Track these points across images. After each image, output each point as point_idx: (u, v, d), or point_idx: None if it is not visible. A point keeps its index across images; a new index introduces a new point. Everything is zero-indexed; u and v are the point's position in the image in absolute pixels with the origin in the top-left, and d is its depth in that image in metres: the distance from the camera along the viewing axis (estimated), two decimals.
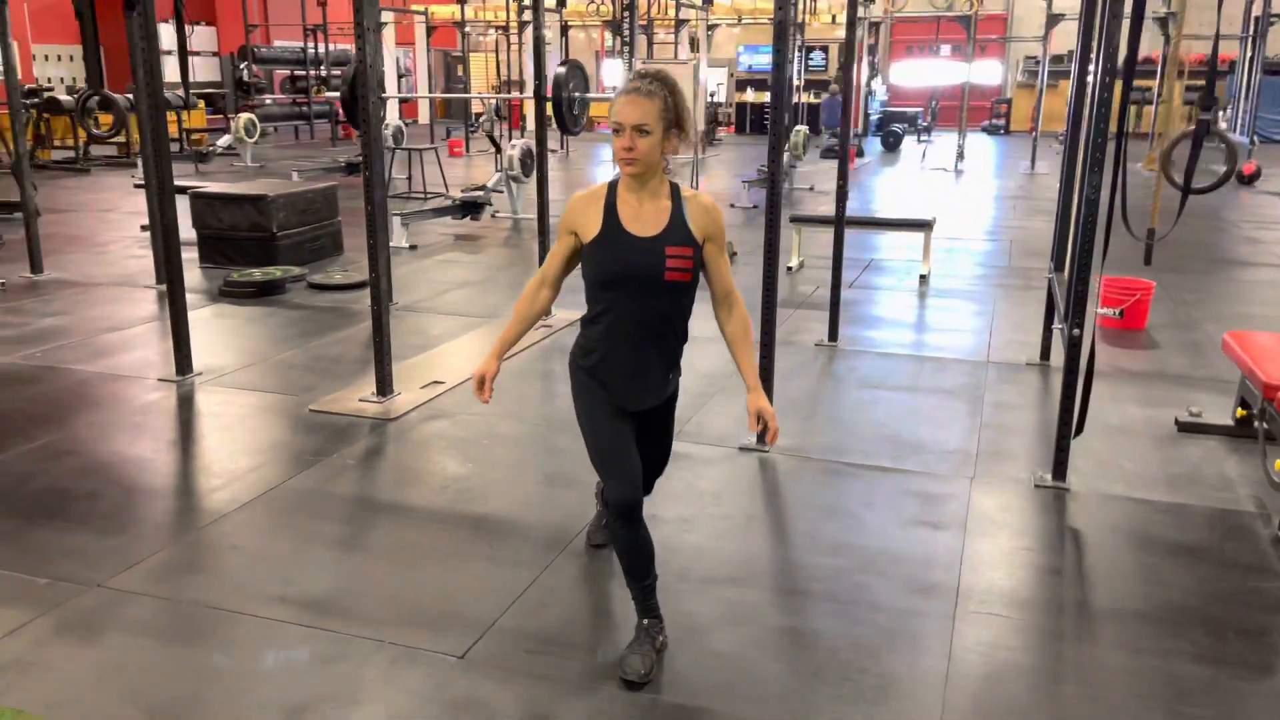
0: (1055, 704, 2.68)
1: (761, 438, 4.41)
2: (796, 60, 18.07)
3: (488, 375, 2.77)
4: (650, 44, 20.54)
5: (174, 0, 7.72)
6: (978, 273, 8.48)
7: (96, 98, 8.84)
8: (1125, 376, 5.54)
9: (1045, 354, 5.70)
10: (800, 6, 17.33)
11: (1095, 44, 4.24)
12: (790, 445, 4.46)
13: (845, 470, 4.24)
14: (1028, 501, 3.93)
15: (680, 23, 21.75)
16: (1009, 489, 4.04)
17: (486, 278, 8.19)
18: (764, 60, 23.42)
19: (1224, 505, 3.88)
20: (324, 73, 21.63)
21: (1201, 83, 20.70)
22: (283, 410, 4.90)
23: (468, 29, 21.75)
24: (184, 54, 8.07)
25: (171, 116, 16.84)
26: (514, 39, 22.05)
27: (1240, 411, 4.49)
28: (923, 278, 8.11)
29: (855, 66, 21.23)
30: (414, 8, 22.57)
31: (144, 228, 8.94)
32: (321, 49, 21.76)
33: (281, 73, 23.12)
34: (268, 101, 21.00)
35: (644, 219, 2.65)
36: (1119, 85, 3.62)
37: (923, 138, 22.28)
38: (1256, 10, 17.17)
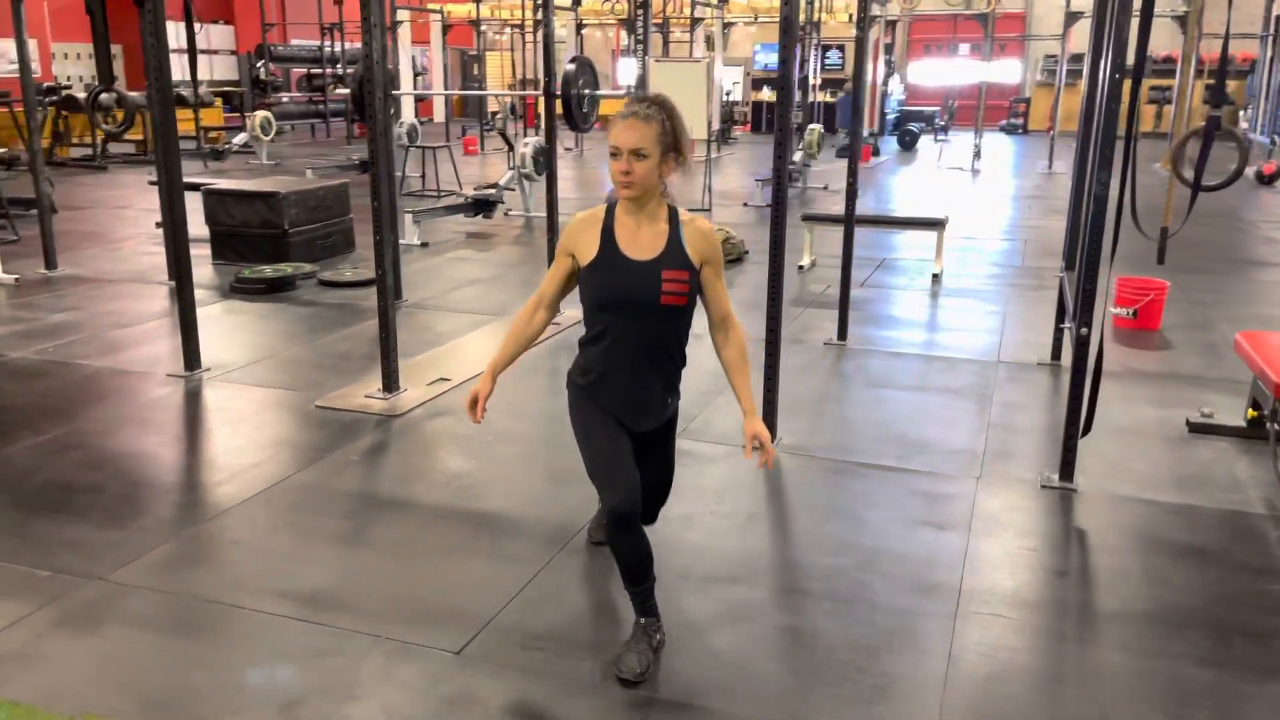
0: (1055, 706, 2.65)
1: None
2: (813, 59, 18.01)
3: (481, 395, 2.78)
4: (666, 42, 20.51)
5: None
6: (991, 272, 8.42)
7: (106, 94, 8.87)
8: (1137, 377, 5.48)
9: (1056, 354, 5.65)
10: (816, 4, 17.26)
11: (1105, 41, 4.19)
12: (795, 444, 4.43)
13: (850, 469, 4.21)
14: (1034, 502, 3.90)
15: (695, 21, 21.71)
16: (1015, 489, 4.00)
17: (497, 275, 8.20)
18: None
19: (1234, 507, 3.84)
20: (340, 71, 21.70)
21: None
22: (289, 406, 4.91)
23: (483, 27, 21.79)
24: (193, 52, 8.09)
25: (188, 114, 16.97)
26: (529, 37, 22.08)
27: (1251, 412, 4.44)
28: (935, 277, 8.06)
29: (873, 65, 21.23)
30: (430, 6, 22.61)
31: (158, 224, 8.99)
32: (338, 47, 21.84)
33: (298, 71, 23.22)
34: (284, 100, 21.10)
35: (641, 242, 2.64)
36: (1128, 82, 3.58)
37: (939, 137, 22.17)
38: (1277, 9, 16.99)
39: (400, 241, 8.42)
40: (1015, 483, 4.06)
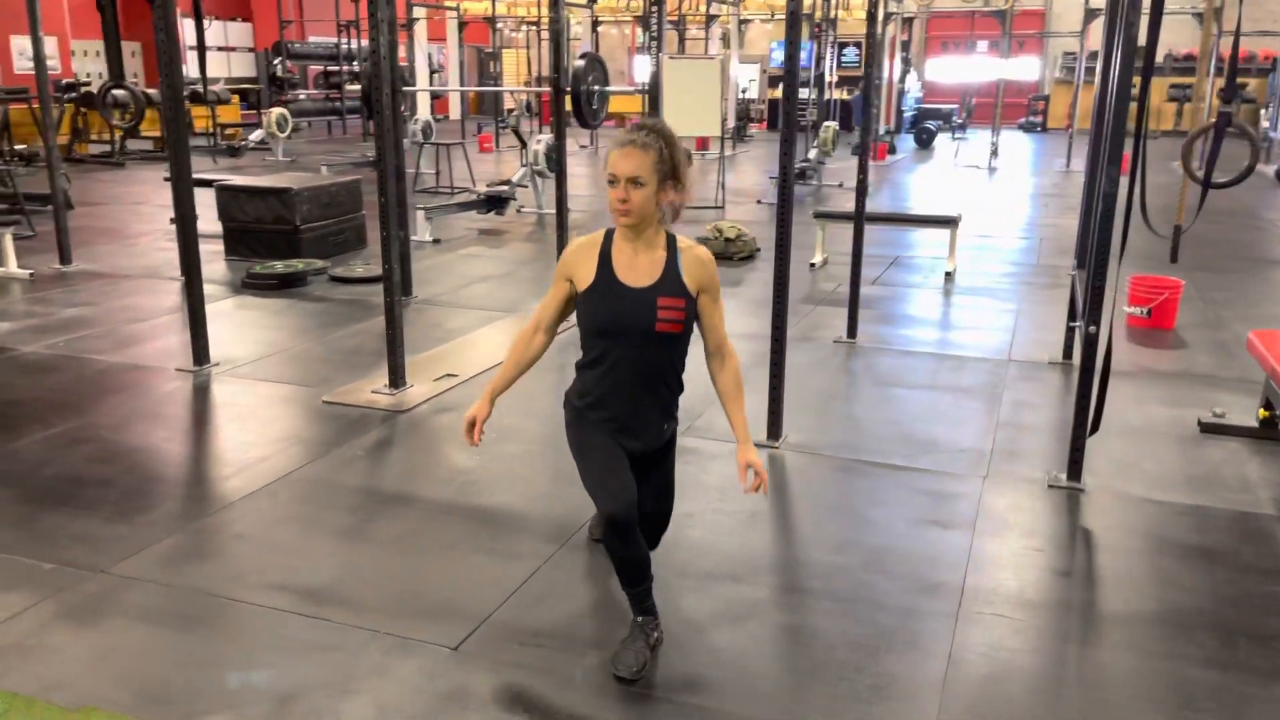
0: (1055, 707, 2.62)
1: (773, 437, 4.38)
2: (829, 56, 17.93)
3: (479, 418, 2.79)
4: (681, 40, 20.47)
5: None
6: (1005, 270, 8.37)
7: (117, 90, 8.94)
8: (1150, 376, 5.43)
9: (1068, 353, 5.61)
10: (833, 1, 17.17)
11: (1115, 38, 4.15)
12: (801, 442, 4.42)
13: (855, 468, 4.19)
14: (1041, 501, 3.86)
15: (711, 18, 21.65)
16: (1022, 489, 3.97)
17: (508, 272, 8.20)
18: None
19: (1243, 508, 3.79)
20: (356, 68, 21.77)
21: (1242, 80, 20.29)
22: (297, 401, 4.93)
23: (499, 25, 21.81)
24: (201, 49, 8.14)
25: (205, 111, 17.07)
26: (545, 34, 22.07)
27: (1263, 413, 4.39)
28: (948, 275, 8.01)
29: (889, 62, 21.13)
30: (446, 3, 22.64)
31: (173, 220, 9.02)
32: (354, 44, 21.90)
33: (315, 68, 23.31)
34: (301, 97, 21.18)
35: (638, 269, 2.63)
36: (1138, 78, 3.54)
37: (957, 135, 22.05)
38: None
39: (412, 238, 8.44)
40: (1023, 482, 4.03)
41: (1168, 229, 6.42)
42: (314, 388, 5.09)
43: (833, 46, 18.24)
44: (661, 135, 2.58)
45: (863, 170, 5.85)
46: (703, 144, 18.07)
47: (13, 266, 7.57)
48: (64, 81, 16.27)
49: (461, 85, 23.37)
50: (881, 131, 19.25)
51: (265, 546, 3.46)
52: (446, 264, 8.46)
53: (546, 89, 8.94)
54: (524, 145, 11.55)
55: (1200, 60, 6.96)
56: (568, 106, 6.68)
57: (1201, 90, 7.26)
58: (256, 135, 17.55)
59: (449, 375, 5.24)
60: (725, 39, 23.10)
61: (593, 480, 2.68)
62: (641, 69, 22.09)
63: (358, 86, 20.05)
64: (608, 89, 7.61)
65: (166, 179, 10.78)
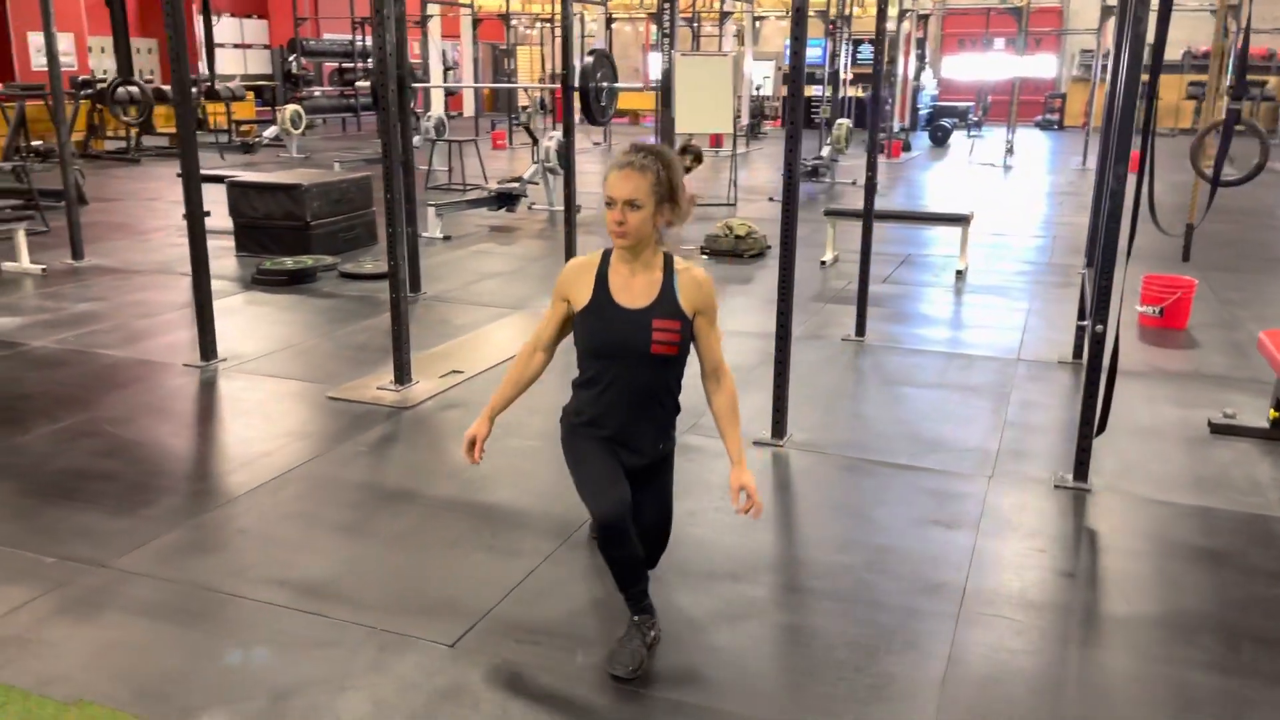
0: (1055, 709, 2.60)
1: (778, 435, 4.36)
2: (844, 53, 17.86)
3: (479, 437, 2.81)
4: (695, 37, 20.43)
5: None
6: (1018, 269, 8.31)
7: (124, 86, 9.00)
8: (1161, 376, 5.38)
9: (1078, 352, 5.56)
10: None
11: (1123, 34, 4.11)
12: (806, 440, 4.39)
13: (860, 466, 4.16)
14: (1046, 502, 3.83)
15: (726, 14, 21.60)
16: (1027, 489, 3.94)
17: (518, 269, 8.20)
18: (812, 54, 23.14)
19: (1252, 510, 3.75)
20: (370, 65, 21.82)
21: (1262, 78, 20.09)
22: (302, 396, 4.94)
23: (513, 22, 21.81)
24: (210, 46, 8.18)
25: (220, 108, 17.14)
26: (559, 31, 22.06)
27: (1274, 413, 4.34)
28: (959, 273, 7.96)
29: (905, 59, 21.02)
30: (460, 0, 22.65)
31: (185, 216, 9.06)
32: (369, 41, 21.95)
33: (330, 65, 23.37)
34: (316, 93, 21.24)
35: (634, 290, 2.63)
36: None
37: (972, 132, 21.93)
38: None
39: (422, 234, 8.46)
40: (1028, 482, 3.99)
41: (1182, 228, 6.36)
42: (320, 384, 5.10)
43: (848, 43, 18.17)
44: (659, 158, 2.58)
45: (871, 168, 5.82)
46: (716, 141, 18.04)
47: (25, 261, 7.61)
48: (80, 78, 16.35)
49: (476, 82, 23.38)
50: (896, 129, 19.15)
51: (266, 542, 3.47)
52: (456, 260, 8.47)
53: (559, 86, 8.94)
54: (536, 142, 11.55)
55: (1213, 57, 6.87)
56: (577, 104, 6.66)
57: (1214, 88, 7.19)
58: (271, 132, 17.61)
59: (454, 372, 5.24)
60: (740, 36, 23.03)
61: (586, 486, 2.67)
62: (656, 66, 22.07)
63: (360, 83, 20.12)
64: (616, 85, 7.59)
65: (180, 175, 10.85)
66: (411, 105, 11.43)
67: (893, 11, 20.55)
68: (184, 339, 5.89)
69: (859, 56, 23.70)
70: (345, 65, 22.47)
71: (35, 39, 17.72)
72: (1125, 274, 3.93)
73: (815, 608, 3.08)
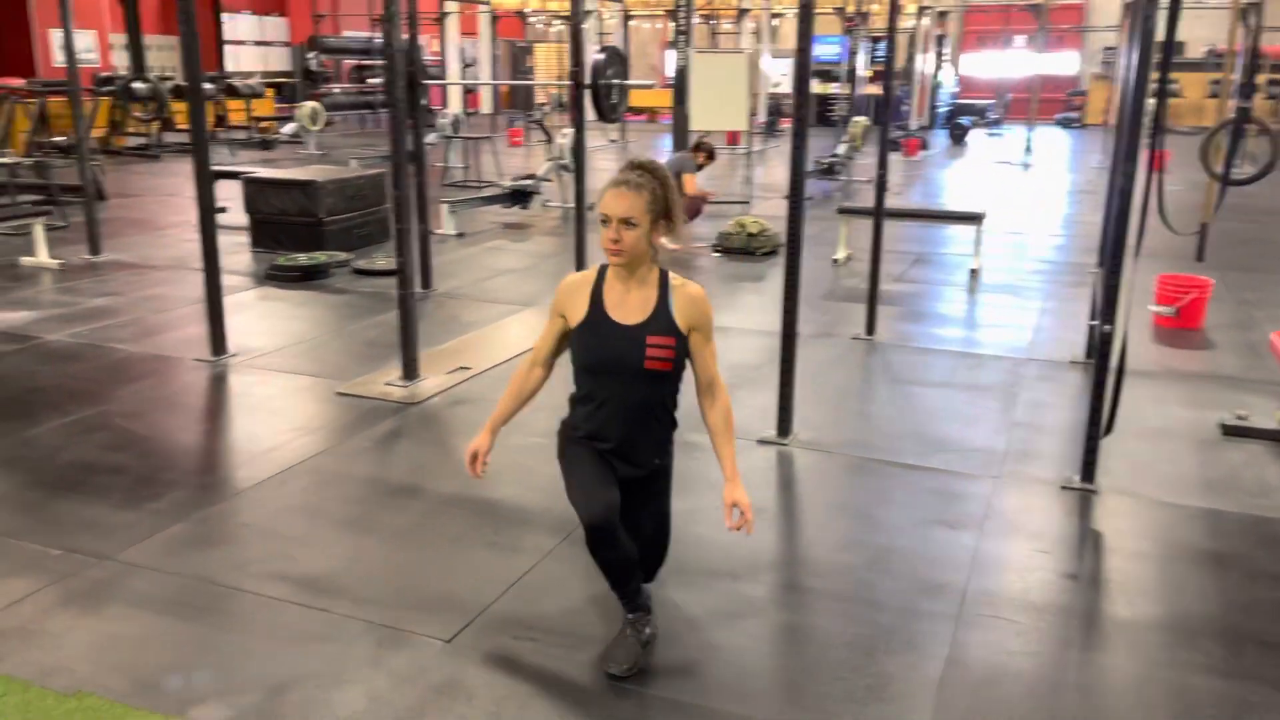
0: (1052, 712, 2.58)
1: (783, 434, 4.34)
2: (862, 51, 17.79)
3: (480, 451, 2.82)
4: (713, 34, 20.39)
5: None
6: (1033, 268, 8.25)
7: (136, 82, 9.08)
8: (1174, 377, 5.34)
9: (1090, 352, 5.51)
10: None
11: (1133, 32, 4.07)
12: (811, 439, 4.38)
13: (866, 466, 4.14)
14: (1052, 503, 3.80)
15: (743, 12, 21.55)
16: (1033, 490, 3.91)
17: (530, 266, 8.21)
18: (830, 51, 23.06)
19: (1260, 512, 3.71)
20: None
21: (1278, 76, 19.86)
22: (311, 392, 4.96)
23: (531, 19, 21.83)
24: (219, 43, 8.22)
25: (240, 104, 17.24)
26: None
27: None
28: (973, 272, 7.91)
29: (923, 57, 20.91)
30: None
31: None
32: None
33: (349, 62, 23.46)
34: (334, 90, 21.33)
35: (629, 306, 2.64)
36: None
37: (991, 130, 21.79)
38: None
39: (436, 231, 8.48)
40: (1035, 483, 3.97)
41: (1196, 226, 6.30)
42: (330, 379, 5.12)
43: (866, 40, 18.10)
44: (655, 175, 2.59)
45: (882, 165, 5.79)
46: (732, 138, 18.00)
47: (44, 256, 7.69)
48: (101, 75, 16.48)
49: (494, 79, 23.40)
50: (914, 126, 19.06)
51: (270, 536, 3.49)
52: (469, 257, 8.49)
53: (563, 83, 8.95)
54: (550, 139, 11.56)
55: (1227, 56, 6.80)
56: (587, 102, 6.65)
57: (1229, 86, 7.11)
58: (289, 128, 17.70)
59: (462, 368, 5.26)
60: (758, 33, 22.98)
61: (576, 491, 2.69)
62: (670, 64, 22.05)
63: (373, 80, 20.15)
64: (627, 83, 7.59)
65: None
66: (426, 102, 11.47)
67: (912, 8, 20.48)
68: (196, 334, 5.92)
69: (878, 54, 23.61)
70: (364, 62, 22.56)
71: (57, 35, 17.88)
72: (1135, 273, 3.89)
73: (814, 607, 3.07)
